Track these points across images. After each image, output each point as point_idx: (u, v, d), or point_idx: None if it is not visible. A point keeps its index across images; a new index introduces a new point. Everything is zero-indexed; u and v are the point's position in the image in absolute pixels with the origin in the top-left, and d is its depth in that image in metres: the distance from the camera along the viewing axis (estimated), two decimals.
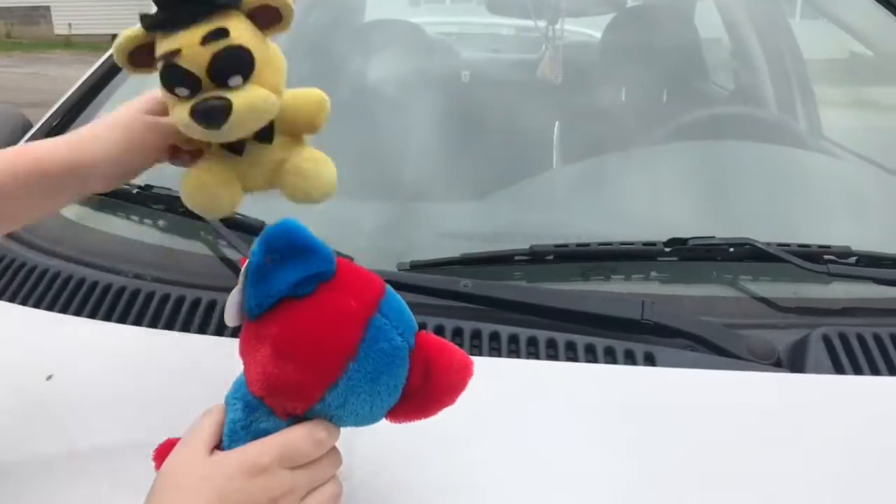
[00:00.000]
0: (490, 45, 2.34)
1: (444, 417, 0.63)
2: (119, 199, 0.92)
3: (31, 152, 0.60)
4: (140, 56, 0.58)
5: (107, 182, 0.63)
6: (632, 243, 0.81)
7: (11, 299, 0.79)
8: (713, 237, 0.80)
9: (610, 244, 0.81)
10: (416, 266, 0.80)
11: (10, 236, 0.90)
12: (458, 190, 1.08)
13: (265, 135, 0.61)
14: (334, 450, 0.51)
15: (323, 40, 1.65)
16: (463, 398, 0.65)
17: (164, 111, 0.61)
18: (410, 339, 0.49)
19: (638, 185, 1.07)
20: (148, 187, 0.89)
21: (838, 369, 0.69)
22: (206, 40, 0.55)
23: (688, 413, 0.65)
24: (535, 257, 0.80)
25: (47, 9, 19.52)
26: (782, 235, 0.83)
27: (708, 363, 0.69)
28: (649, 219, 1.00)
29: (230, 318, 0.49)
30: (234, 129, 0.56)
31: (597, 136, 1.20)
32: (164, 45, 0.56)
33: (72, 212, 0.95)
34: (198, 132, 0.56)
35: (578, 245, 0.81)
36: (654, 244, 0.80)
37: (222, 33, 0.55)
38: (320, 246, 0.48)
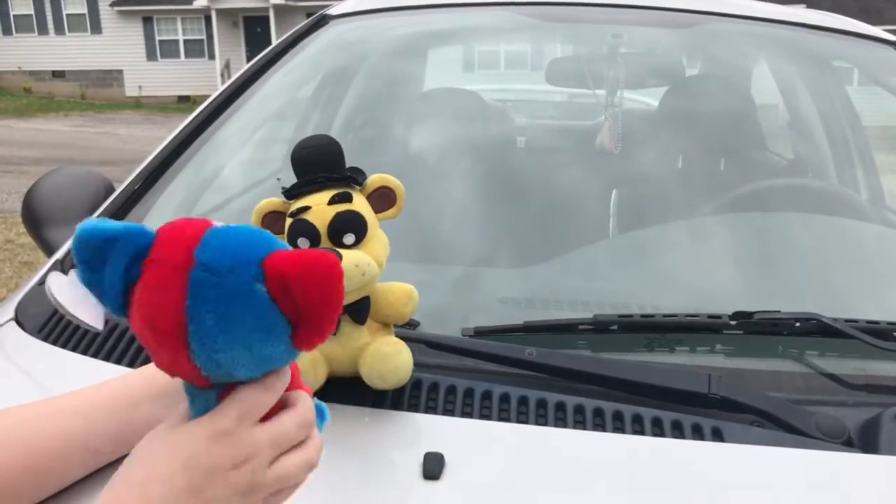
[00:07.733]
0: (546, 112, 2.39)
1: (509, 488, 0.64)
2: None
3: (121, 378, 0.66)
4: (270, 219, 0.70)
5: None
6: (696, 315, 0.81)
7: (106, 358, 0.80)
8: (779, 311, 0.80)
9: (675, 316, 0.81)
10: (480, 332, 0.82)
11: None
12: (517, 256, 1.10)
13: (360, 313, 0.70)
14: (299, 409, 0.51)
15: (386, 109, 1.72)
16: (531, 469, 0.65)
17: None
18: (249, 270, 0.45)
19: (698, 255, 1.08)
20: None
21: None
22: (332, 201, 0.67)
23: (758, 492, 0.64)
24: (599, 327, 0.81)
25: (120, 72, 20.74)
26: (846, 309, 0.82)
27: (776, 440, 0.68)
28: (710, 289, 1.00)
29: (89, 322, 0.48)
30: None
31: (654, 205, 1.21)
32: (296, 204, 0.68)
33: None
34: None
35: (643, 316, 0.82)
36: (719, 317, 0.80)
37: (346, 197, 0.68)
38: (119, 231, 0.46)
